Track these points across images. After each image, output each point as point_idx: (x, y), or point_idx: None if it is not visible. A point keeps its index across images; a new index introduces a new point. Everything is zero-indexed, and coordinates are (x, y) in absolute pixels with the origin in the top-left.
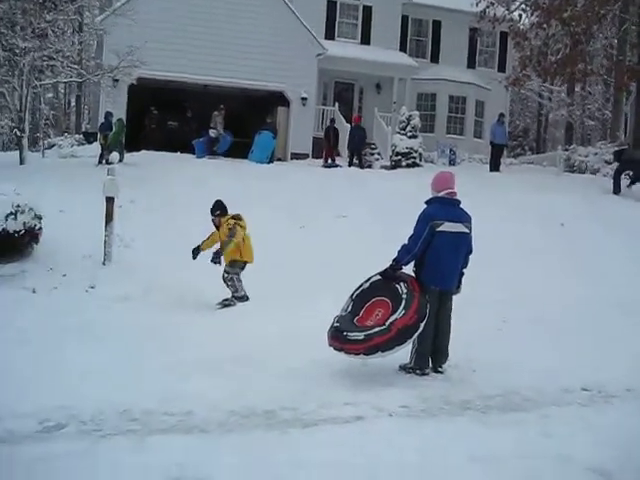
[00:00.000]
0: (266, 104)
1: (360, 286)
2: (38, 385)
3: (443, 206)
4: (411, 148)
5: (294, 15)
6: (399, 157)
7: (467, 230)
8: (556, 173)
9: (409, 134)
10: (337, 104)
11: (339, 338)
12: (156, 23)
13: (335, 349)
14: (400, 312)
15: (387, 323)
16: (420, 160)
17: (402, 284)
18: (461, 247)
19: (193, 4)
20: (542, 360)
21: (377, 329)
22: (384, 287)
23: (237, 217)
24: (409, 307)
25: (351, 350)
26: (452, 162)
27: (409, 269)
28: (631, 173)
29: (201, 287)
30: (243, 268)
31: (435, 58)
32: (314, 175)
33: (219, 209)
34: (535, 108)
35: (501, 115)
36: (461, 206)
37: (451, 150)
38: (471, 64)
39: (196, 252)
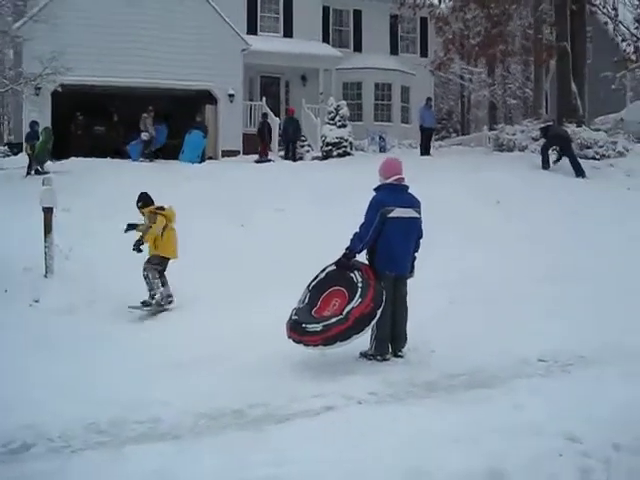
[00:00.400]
0: (194, 103)
1: (316, 277)
2: (4, 408)
3: (392, 192)
4: (341, 137)
5: (216, 12)
6: (330, 147)
7: (417, 215)
8: (485, 152)
9: (338, 124)
10: (264, 99)
11: (297, 330)
12: (76, 27)
13: (294, 341)
14: (357, 301)
15: (344, 312)
16: (351, 149)
17: (357, 272)
18: (412, 232)
19: (113, 6)
20: (495, 336)
21: (334, 319)
22: (339, 277)
23: (160, 208)
24: (365, 295)
25: (310, 342)
26: (382, 149)
27: (362, 257)
28: (558, 148)
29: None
30: (162, 265)
31: (358, 47)
32: (248, 172)
33: (140, 200)
34: (457, 90)
35: (428, 99)
36: (409, 191)
37: (380, 137)
38: (394, 51)
39: (130, 227)
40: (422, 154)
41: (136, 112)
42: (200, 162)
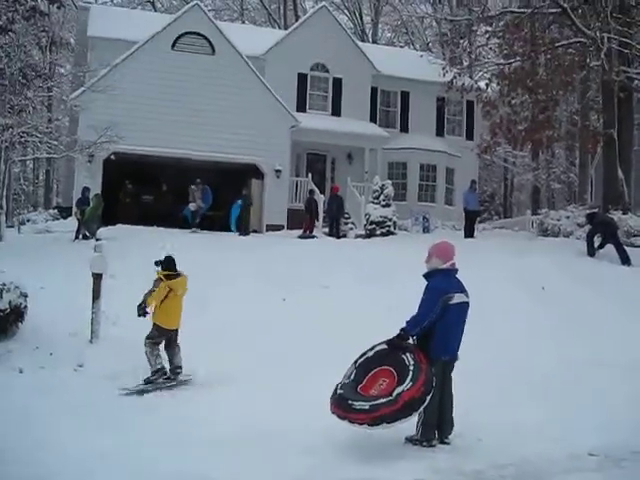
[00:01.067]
0: (241, 176)
1: (364, 354)
2: (50, 473)
3: (448, 278)
4: (385, 217)
5: (267, 88)
6: (373, 226)
7: (468, 300)
8: (529, 237)
9: (382, 203)
10: (310, 175)
11: (343, 406)
12: (131, 97)
13: (338, 417)
14: (407, 384)
15: (394, 394)
16: (394, 228)
17: (409, 354)
18: (464, 316)
19: (168, 79)
20: (543, 425)
21: (383, 400)
22: (389, 356)
23: (171, 274)
24: (417, 379)
25: (355, 419)
26: (426, 229)
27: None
28: (603, 235)
29: (192, 364)
30: (163, 336)
31: (405, 127)
32: (292, 246)
33: (160, 263)
34: (501, 173)
35: (473, 182)
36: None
37: (424, 217)
38: (440, 132)
39: (140, 309)
40: (466, 236)
41: (184, 182)
42: (240, 233)
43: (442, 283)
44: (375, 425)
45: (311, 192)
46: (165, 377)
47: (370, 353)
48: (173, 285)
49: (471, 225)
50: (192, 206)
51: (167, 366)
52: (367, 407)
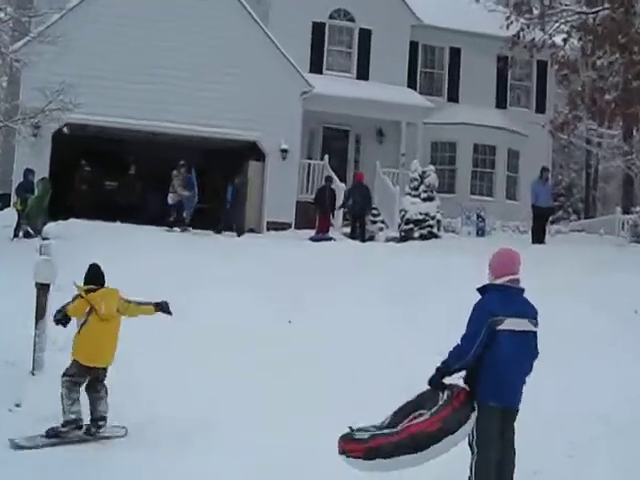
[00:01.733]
0: (235, 158)
1: (407, 401)
2: None
3: (504, 297)
4: (426, 214)
5: (271, 42)
6: (410, 226)
7: (534, 328)
8: (619, 244)
9: (423, 195)
10: (327, 157)
11: (345, 437)
12: (90, 52)
13: (339, 452)
14: (423, 416)
15: (399, 425)
16: (438, 229)
17: (446, 392)
18: (527, 350)
19: (138, 27)
20: None
21: (386, 430)
22: (428, 399)
23: (93, 288)
24: (436, 412)
25: (352, 451)
26: (480, 231)
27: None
28: None
29: (144, 410)
30: (82, 376)
31: (454, 96)
32: (301, 252)
33: (86, 275)
34: (581, 158)
35: (544, 170)
36: (524, 296)
37: (478, 216)
38: (501, 103)
39: (59, 315)
40: (534, 242)
41: (159, 165)
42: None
43: (491, 302)
44: (369, 459)
45: (327, 179)
46: (81, 431)
47: (412, 398)
48: (93, 300)
49: (541, 227)
50: (170, 198)
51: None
52: (366, 436)
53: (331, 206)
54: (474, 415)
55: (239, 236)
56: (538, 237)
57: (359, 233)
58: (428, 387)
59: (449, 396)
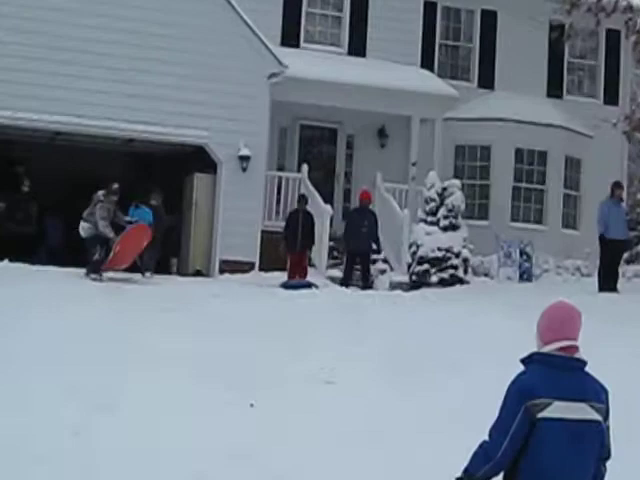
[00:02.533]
0: (174, 169)
1: None
2: None
3: (551, 372)
4: (448, 249)
5: (225, 1)
6: (426, 266)
7: (598, 416)
8: None
9: (443, 223)
10: (306, 167)
11: None
12: None
13: None
14: None
15: None
16: (465, 272)
17: None
18: (588, 447)
19: None
20: None
21: None
22: None
23: None
24: None
25: None
26: (526, 275)
27: None
28: None
29: None
30: None
31: (488, 81)
32: (269, 306)
33: None
34: None
35: (616, 186)
36: (586, 370)
37: (523, 252)
38: (554, 90)
39: None
40: (602, 289)
41: (64, 180)
42: None
43: (532, 379)
44: None
45: (301, 200)
46: None
47: None
48: None
49: (613, 267)
50: (82, 229)
51: None
52: None
53: (305, 238)
54: None
55: (143, 275)
56: (608, 282)
57: (361, 278)
58: None
59: None
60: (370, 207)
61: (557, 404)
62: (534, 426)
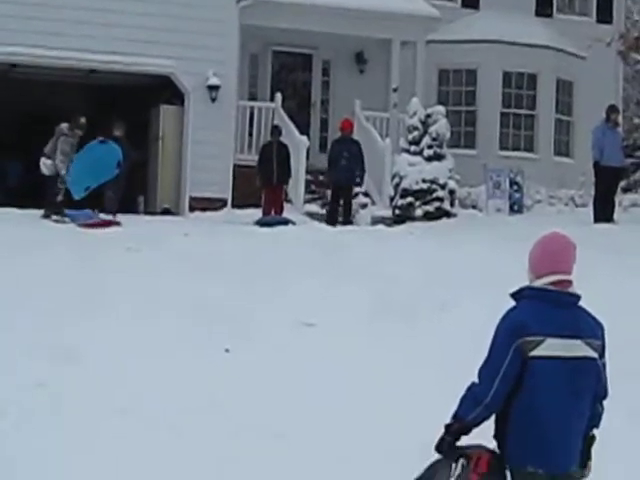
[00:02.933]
0: (137, 101)
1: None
2: None
3: (543, 306)
4: (433, 181)
5: None
6: (409, 199)
7: (593, 353)
8: None
9: (427, 153)
10: (280, 96)
11: None
12: None
13: None
14: None
15: None
16: (452, 204)
17: (461, 461)
18: (583, 385)
19: None
20: None
21: None
22: (441, 473)
23: None
24: None
25: None
26: (516, 206)
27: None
28: None
29: None
30: None
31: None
32: (244, 245)
33: None
34: None
35: (612, 110)
36: (580, 305)
37: (513, 182)
38: (544, 9)
39: None
40: (597, 220)
41: (21, 116)
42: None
43: (523, 314)
44: None
45: (274, 131)
46: None
47: (426, 474)
48: None
49: (609, 196)
50: (44, 165)
51: None
52: None
53: (281, 171)
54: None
55: (112, 219)
56: (604, 212)
57: (343, 213)
58: (438, 455)
59: (463, 467)
60: (354, 137)
61: (550, 341)
62: (526, 365)
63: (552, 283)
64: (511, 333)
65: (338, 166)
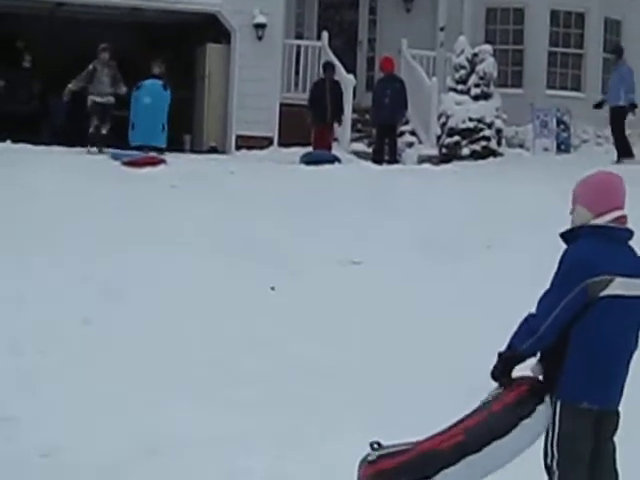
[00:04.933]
0: (183, 39)
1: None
2: None
3: (607, 245)
4: (479, 120)
5: None
6: (456, 138)
7: None
8: None
9: (474, 92)
10: (326, 35)
11: (360, 464)
12: None
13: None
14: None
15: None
16: (499, 143)
17: (499, 391)
18: (634, 323)
19: None
20: None
21: (396, 449)
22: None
23: None
24: (461, 421)
25: (360, 478)
26: (563, 145)
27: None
28: None
29: None
30: None
31: None
32: (289, 182)
33: None
34: None
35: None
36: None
37: (560, 121)
38: None
39: None
40: (621, 156)
41: (68, 54)
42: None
43: (591, 252)
44: None
45: (326, 68)
46: None
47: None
48: None
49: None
50: (92, 99)
51: None
52: (374, 457)
53: (334, 109)
54: (543, 411)
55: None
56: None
57: (388, 152)
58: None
59: (496, 396)
60: (396, 75)
61: (619, 280)
62: (592, 304)
63: (613, 220)
64: (581, 270)
65: (382, 105)
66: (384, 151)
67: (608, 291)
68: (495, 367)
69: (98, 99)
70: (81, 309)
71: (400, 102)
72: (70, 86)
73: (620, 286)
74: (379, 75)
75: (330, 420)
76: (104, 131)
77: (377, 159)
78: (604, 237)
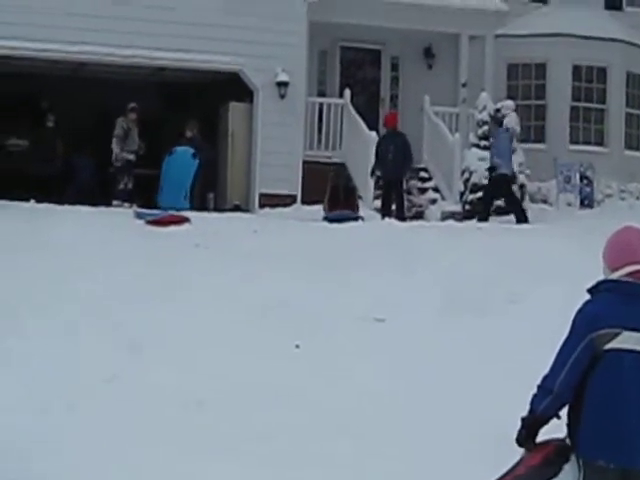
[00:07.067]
0: (207, 98)
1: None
2: None
3: (619, 299)
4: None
5: None
6: (479, 194)
7: None
8: None
9: None
10: (349, 92)
11: None
12: None
13: None
14: None
15: None
16: (522, 198)
17: (524, 457)
18: None
19: None
20: None
21: None
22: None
23: None
24: None
25: None
26: (586, 200)
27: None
28: None
29: None
30: None
31: None
32: (315, 241)
33: None
34: None
35: None
36: None
37: (583, 176)
38: (613, 1)
39: None
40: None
41: (91, 114)
42: (189, 207)
43: (598, 307)
44: None
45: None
46: None
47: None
48: None
49: None
50: (125, 156)
51: None
52: None
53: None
54: (569, 471)
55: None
56: None
57: (396, 207)
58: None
59: (522, 459)
60: (398, 130)
61: (627, 334)
62: (600, 358)
63: (628, 274)
64: (585, 326)
65: (385, 161)
66: (391, 206)
67: (613, 344)
68: (519, 432)
69: (130, 157)
70: (105, 365)
71: (403, 157)
72: (117, 150)
73: (629, 340)
74: (383, 131)
75: (358, 476)
76: (130, 186)
77: (384, 212)
78: (618, 291)
